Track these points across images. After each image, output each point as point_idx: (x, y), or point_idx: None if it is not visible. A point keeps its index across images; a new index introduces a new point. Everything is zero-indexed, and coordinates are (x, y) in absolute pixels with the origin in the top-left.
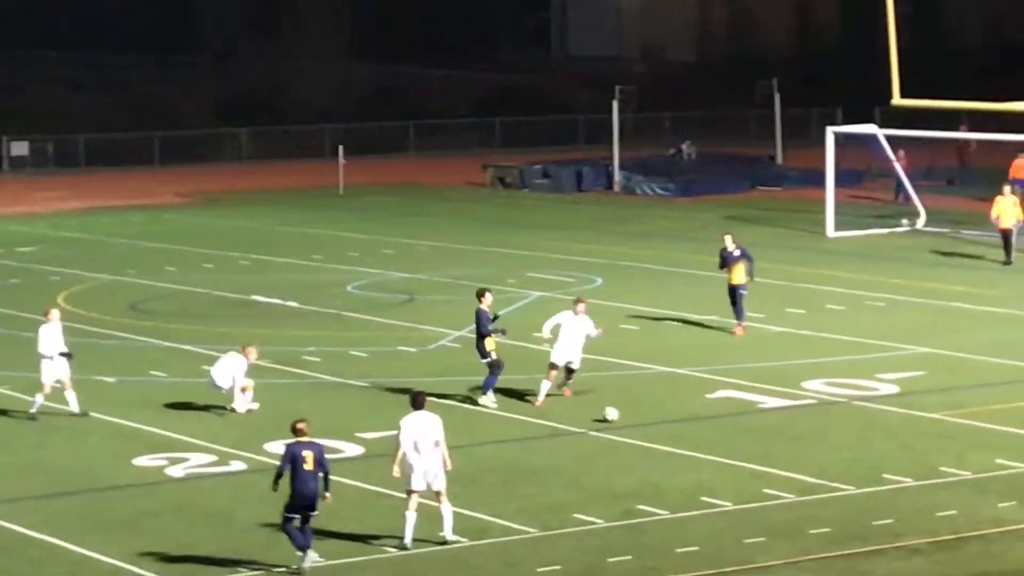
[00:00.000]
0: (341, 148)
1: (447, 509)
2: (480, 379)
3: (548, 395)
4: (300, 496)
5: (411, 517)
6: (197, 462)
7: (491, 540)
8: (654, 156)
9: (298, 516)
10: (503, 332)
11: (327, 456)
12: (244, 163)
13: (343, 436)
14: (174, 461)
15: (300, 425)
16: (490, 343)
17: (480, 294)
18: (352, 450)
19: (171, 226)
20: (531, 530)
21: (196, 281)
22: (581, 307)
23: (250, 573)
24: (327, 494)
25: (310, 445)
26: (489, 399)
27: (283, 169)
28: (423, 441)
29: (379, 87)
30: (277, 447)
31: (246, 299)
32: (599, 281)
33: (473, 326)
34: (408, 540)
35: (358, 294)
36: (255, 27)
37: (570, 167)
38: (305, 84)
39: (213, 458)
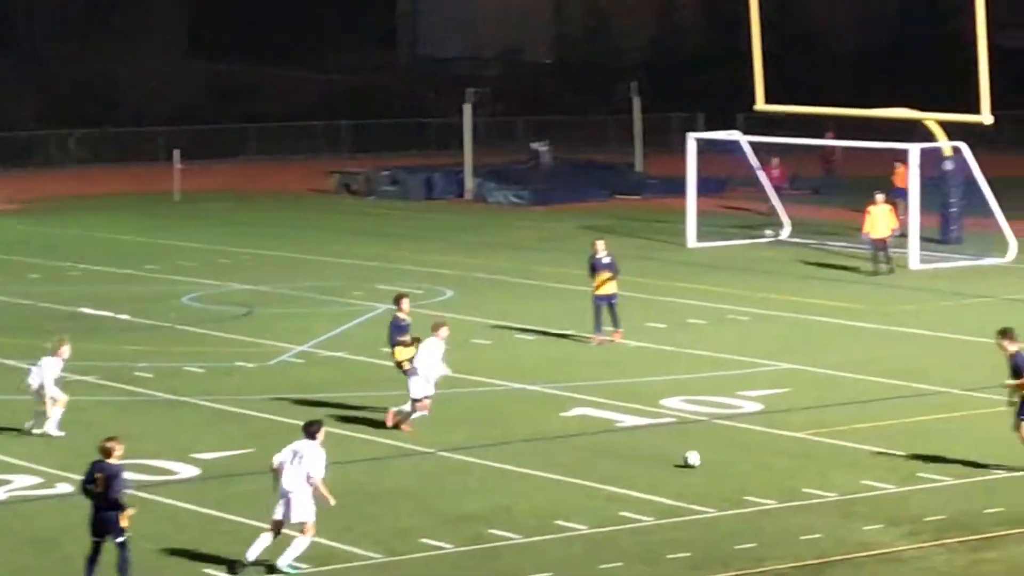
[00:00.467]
0: (176, 152)
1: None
2: (321, 396)
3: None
4: (90, 522)
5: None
6: (20, 484)
7: (335, 566)
8: (509, 163)
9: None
10: (418, 340)
11: (124, 478)
12: (73, 167)
13: (177, 457)
14: None
15: (107, 444)
16: (401, 353)
17: (397, 299)
18: (187, 471)
19: None
20: (377, 556)
21: (19, 292)
22: (444, 332)
23: None
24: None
25: (103, 466)
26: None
27: (115, 174)
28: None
29: (216, 88)
30: None
31: (74, 311)
32: (450, 294)
33: (318, 339)
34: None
35: (194, 306)
36: (84, 26)
37: (419, 174)
38: (137, 85)
39: (38, 480)
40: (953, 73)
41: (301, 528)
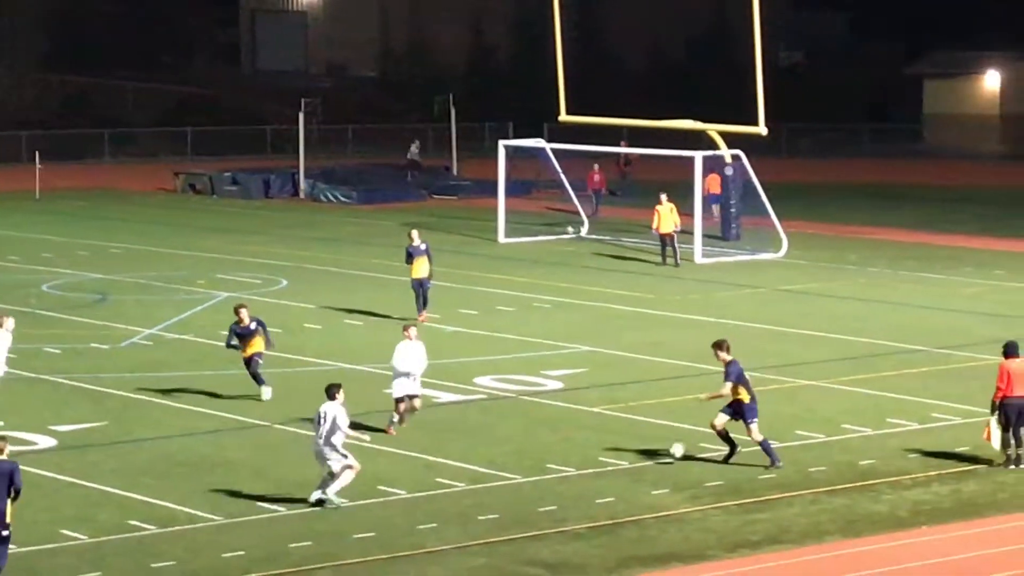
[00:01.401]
0: (37, 154)
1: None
2: (161, 375)
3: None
4: None
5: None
6: None
7: (178, 527)
8: (338, 166)
9: None
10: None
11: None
12: None
13: (36, 429)
14: None
15: None
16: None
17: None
18: (45, 442)
19: None
20: (216, 518)
21: None
22: (412, 331)
23: None
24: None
25: None
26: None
27: None
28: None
29: (73, 96)
30: None
31: None
32: (284, 283)
33: (165, 323)
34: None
35: (53, 294)
36: None
37: (258, 175)
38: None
39: None
40: (733, 90)
41: (342, 471)
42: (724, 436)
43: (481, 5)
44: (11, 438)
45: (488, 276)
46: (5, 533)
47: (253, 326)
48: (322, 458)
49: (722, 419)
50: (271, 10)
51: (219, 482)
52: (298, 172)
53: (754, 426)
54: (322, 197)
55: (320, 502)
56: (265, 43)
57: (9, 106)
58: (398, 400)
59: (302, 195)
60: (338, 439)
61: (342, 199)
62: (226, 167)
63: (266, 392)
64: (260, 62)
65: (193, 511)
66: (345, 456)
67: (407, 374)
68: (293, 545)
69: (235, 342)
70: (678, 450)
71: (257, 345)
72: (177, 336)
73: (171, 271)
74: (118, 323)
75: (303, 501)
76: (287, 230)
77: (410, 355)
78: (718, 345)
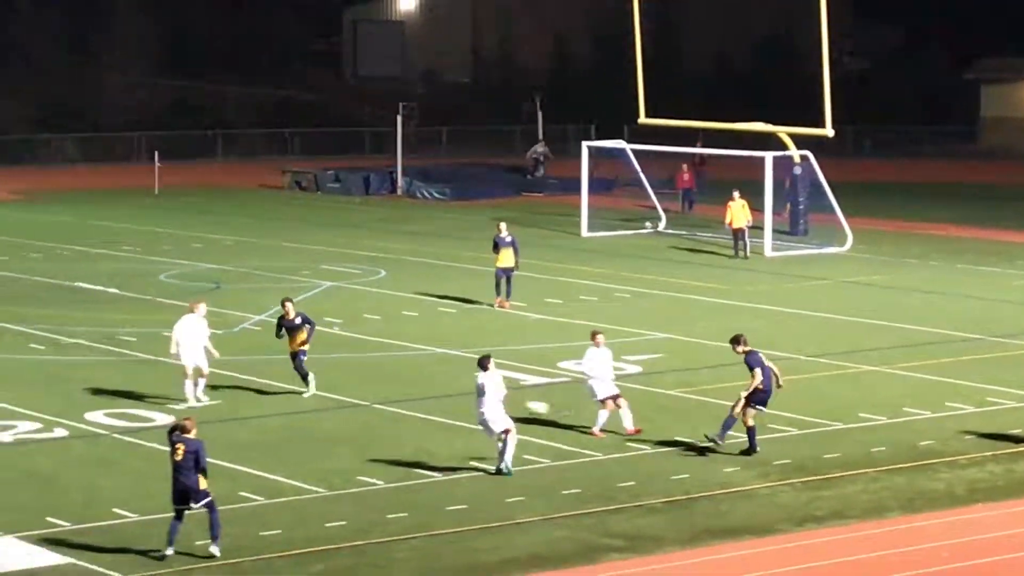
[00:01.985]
0: (156, 153)
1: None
2: (270, 357)
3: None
4: (172, 489)
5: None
6: (24, 429)
7: (284, 499)
8: (434, 165)
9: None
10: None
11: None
12: (67, 166)
13: (156, 408)
14: (2, 428)
15: (184, 422)
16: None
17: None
18: (163, 419)
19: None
20: (320, 490)
21: (24, 269)
22: (601, 339)
23: (70, 526)
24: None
25: (184, 440)
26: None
27: (103, 172)
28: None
29: (187, 100)
30: (96, 416)
31: (71, 285)
32: (383, 273)
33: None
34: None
35: (171, 282)
36: (77, 43)
37: (358, 173)
38: (121, 96)
39: (38, 425)
40: (800, 94)
41: (505, 434)
42: (751, 432)
43: (565, 15)
44: (132, 415)
45: (571, 267)
46: (205, 501)
47: (298, 320)
48: (486, 426)
49: (751, 413)
50: (372, 20)
51: (322, 457)
52: (396, 170)
53: (752, 411)
54: (418, 194)
55: (499, 471)
56: (366, 51)
57: (123, 108)
58: (602, 401)
59: (399, 192)
60: (495, 407)
61: (436, 196)
62: (329, 166)
63: (311, 387)
64: (361, 68)
65: (299, 483)
66: (505, 421)
67: (602, 377)
68: (391, 516)
69: (282, 333)
70: (540, 407)
71: (302, 340)
72: None
73: (279, 262)
74: (230, 309)
75: (400, 475)
76: (386, 224)
77: (601, 360)
78: (735, 340)
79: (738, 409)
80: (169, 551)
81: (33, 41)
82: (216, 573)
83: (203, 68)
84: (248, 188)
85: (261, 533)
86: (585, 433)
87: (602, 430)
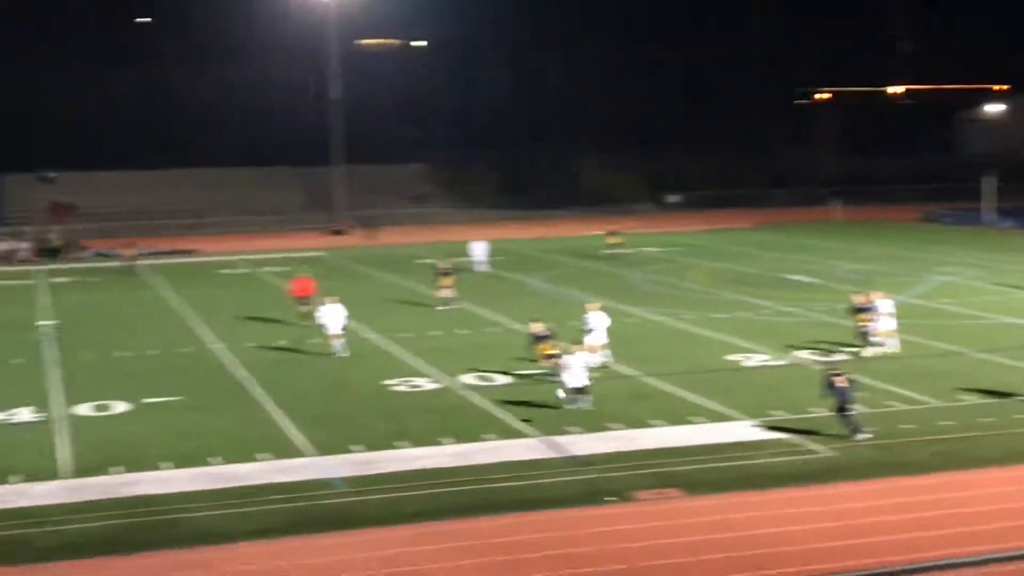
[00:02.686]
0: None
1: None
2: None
3: None
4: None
5: None
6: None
7: (909, 407)
8: None
9: None
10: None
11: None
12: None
13: (821, 352)
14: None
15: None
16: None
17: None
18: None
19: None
20: (933, 401)
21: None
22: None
23: (782, 416)
24: None
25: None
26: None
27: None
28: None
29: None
30: (803, 353)
31: (788, 278)
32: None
33: None
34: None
35: (845, 275)
36: None
37: None
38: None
39: (767, 356)
40: None
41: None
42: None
43: None
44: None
45: None
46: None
47: (546, 334)
48: None
49: None
50: None
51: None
52: None
53: None
54: None
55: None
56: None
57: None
58: None
59: None
60: None
61: None
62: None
63: (559, 393)
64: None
65: (914, 395)
66: None
67: None
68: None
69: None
70: (560, 394)
71: (549, 349)
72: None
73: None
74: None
75: None
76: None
77: None
78: None
79: None
80: (860, 436)
81: None
82: (865, 448)
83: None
84: (889, 220)
85: (899, 426)
86: None
87: None
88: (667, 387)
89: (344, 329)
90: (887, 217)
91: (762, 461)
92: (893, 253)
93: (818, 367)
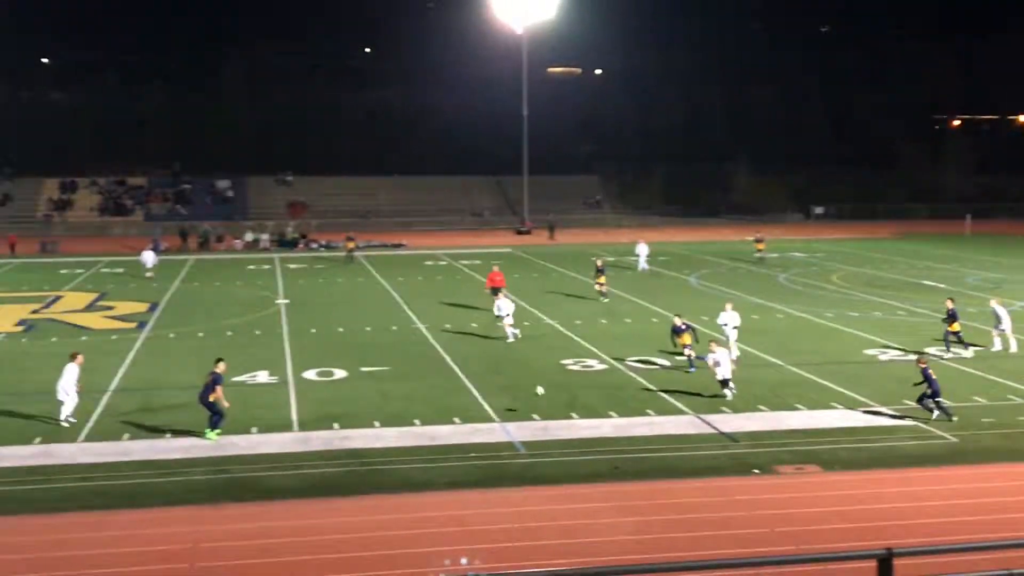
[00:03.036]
0: (968, 216)
1: None
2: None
3: None
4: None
5: None
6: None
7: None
8: None
9: None
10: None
11: None
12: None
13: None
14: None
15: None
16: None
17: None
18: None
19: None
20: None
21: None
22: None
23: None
24: None
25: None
26: None
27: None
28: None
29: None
30: (872, 351)
31: (925, 283)
32: None
33: None
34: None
35: (974, 282)
36: None
37: None
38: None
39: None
40: None
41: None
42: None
43: None
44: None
45: None
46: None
47: (684, 327)
48: None
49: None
50: None
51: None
52: None
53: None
54: None
55: None
56: None
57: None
58: None
59: None
60: None
61: None
62: None
63: (539, 389)
64: None
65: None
66: None
67: None
68: None
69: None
70: (540, 390)
71: (685, 340)
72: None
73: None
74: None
75: None
76: None
77: None
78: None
79: None
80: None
81: None
82: (987, 435)
83: None
84: None
85: (1018, 418)
86: None
87: None
88: (810, 376)
89: (511, 316)
90: (1015, 231)
91: (893, 444)
92: (1020, 264)
93: (946, 363)
